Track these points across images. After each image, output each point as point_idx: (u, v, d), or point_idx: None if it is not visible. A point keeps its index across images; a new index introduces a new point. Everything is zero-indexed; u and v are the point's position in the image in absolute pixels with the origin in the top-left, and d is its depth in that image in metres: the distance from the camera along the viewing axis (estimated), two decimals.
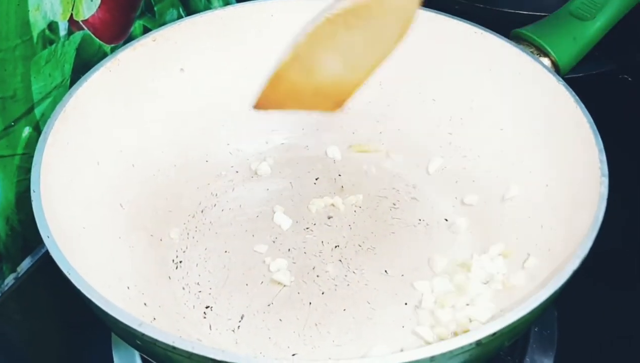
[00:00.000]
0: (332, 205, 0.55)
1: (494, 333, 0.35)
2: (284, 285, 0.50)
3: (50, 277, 0.40)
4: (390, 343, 0.46)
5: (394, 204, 0.55)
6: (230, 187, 0.57)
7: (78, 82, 0.50)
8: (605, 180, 0.43)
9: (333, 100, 0.52)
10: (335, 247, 0.52)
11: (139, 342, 0.36)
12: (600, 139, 0.46)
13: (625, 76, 0.70)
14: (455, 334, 0.43)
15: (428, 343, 0.45)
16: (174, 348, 0.34)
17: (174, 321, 0.47)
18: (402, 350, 0.44)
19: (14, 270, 0.52)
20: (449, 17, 0.57)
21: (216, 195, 0.56)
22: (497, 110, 0.55)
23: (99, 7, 0.53)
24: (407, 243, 0.52)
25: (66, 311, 0.52)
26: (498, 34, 0.55)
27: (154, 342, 0.35)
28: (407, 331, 0.46)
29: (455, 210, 0.54)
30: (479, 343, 0.35)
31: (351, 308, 0.48)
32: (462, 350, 0.35)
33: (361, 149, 0.60)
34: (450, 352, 0.34)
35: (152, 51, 0.55)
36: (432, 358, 0.34)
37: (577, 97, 0.48)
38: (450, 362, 0.35)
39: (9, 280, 0.52)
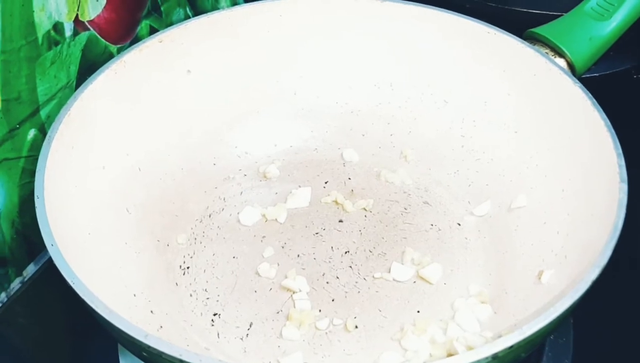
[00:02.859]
0: (336, 201, 0.55)
1: (511, 347, 0.34)
2: (294, 292, 0.49)
3: (56, 281, 0.39)
4: (402, 352, 0.45)
5: (405, 209, 0.54)
6: (238, 190, 0.56)
7: (83, 84, 0.49)
8: (624, 186, 0.42)
9: None
10: (346, 252, 0.51)
11: (145, 354, 0.36)
12: (618, 143, 0.44)
13: None
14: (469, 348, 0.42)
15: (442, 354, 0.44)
16: (180, 361, 0.34)
17: (181, 329, 0.46)
18: (414, 361, 0.44)
19: (19, 274, 0.52)
20: (461, 16, 0.56)
21: (224, 199, 0.56)
22: (511, 113, 0.54)
23: (105, 7, 0.53)
24: (419, 249, 0.51)
25: (73, 316, 0.51)
26: (512, 34, 0.54)
27: (160, 354, 0.34)
28: (419, 340, 0.45)
29: (468, 215, 0.53)
30: (495, 356, 0.34)
31: (362, 315, 0.47)
32: None
33: None
34: None
35: (159, 52, 0.54)
36: None
37: (594, 100, 0.47)
38: None
39: (15, 284, 0.52)
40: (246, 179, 0.57)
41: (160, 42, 0.54)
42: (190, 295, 0.49)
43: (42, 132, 0.50)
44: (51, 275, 0.41)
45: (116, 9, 0.54)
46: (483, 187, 0.54)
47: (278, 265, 0.51)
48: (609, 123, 0.46)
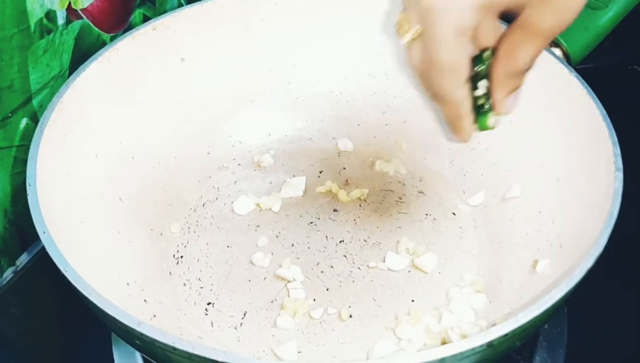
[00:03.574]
0: (330, 191, 0.55)
1: (506, 335, 0.34)
2: (288, 281, 0.48)
3: (49, 271, 0.39)
4: (397, 341, 0.45)
5: (400, 198, 0.54)
6: (232, 179, 0.56)
7: (75, 72, 0.49)
8: (620, 175, 0.42)
9: None
10: (340, 242, 0.51)
11: (138, 342, 0.36)
12: (614, 132, 0.44)
13: (636, 67, 0.68)
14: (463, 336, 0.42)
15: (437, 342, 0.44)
16: (174, 348, 0.33)
17: (175, 318, 0.46)
18: (409, 350, 0.44)
19: (12, 264, 0.52)
20: None
21: (218, 188, 0.55)
22: None
23: None
24: (413, 238, 0.51)
25: (66, 306, 0.51)
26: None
27: (153, 342, 0.34)
28: (414, 329, 0.45)
29: (463, 204, 0.53)
30: (490, 344, 0.34)
31: (356, 305, 0.47)
32: (472, 352, 0.34)
33: None
34: (461, 353, 0.33)
35: (152, 40, 0.54)
36: (442, 360, 0.33)
37: (589, 89, 0.47)
38: None
39: (8, 274, 0.51)
40: (240, 168, 0.57)
41: (154, 29, 0.54)
42: (184, 284, 0.49)
43: (35, 120, 0.50)
44: (44, 265, 0.41)
45: None
46: (478, 176, 0.54)
47: (272, 254, 0.50)
48: (604, 112, 0.46)
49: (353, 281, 0.49)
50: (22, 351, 0.51)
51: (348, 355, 0.44)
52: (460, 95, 0.43)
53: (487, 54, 0.43)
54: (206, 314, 0.47)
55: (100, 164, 0.49)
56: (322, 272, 0.49)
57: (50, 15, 0.48)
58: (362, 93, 0.59)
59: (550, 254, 0.45)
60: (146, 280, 0.47)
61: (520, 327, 0.35)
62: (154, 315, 0.44)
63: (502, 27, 0.53)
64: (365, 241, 0.51)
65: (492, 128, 0.45)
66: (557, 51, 0.53)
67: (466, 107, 0.44)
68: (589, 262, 0.38)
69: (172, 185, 0.54)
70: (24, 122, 0.49)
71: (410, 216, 0.53)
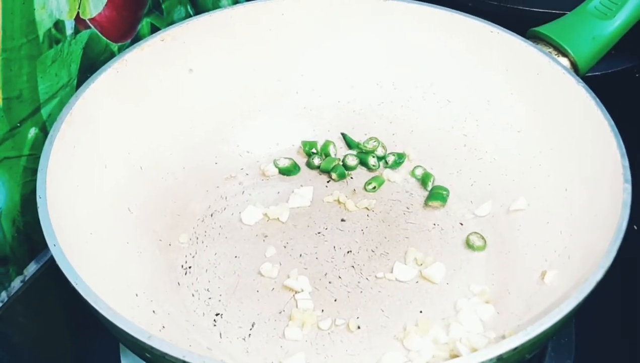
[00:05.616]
0: (338, 200, 0.55)
1: (515, 348, 0.34)
2: (296, 292, 0.48)
3: (58, 280, 0.39)
4: (405, 353, 0.45)
5: (408, 208, 0.54)
6: (240, 189, 0.56)
7: (84, 83, 0.49)
8: (629, 187, 0.42)
9: None
10: (348, 252, 0.51)
11: (148, 355, 0.36)
12: (622, 144, 0.44)
13: None
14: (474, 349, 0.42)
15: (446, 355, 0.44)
16: (183, 362, 0.33)
17: (184, 329, 0.46)
18: (417, 361, 0.44)
19: (20, 273, 0.52)
20: (464, 15, 0.56)
21: (226, 198, 0.55)
22: (513, 112, 0.54)
23: (106, 5, 0.52)
24: (421, 248, 0.51)
25: (74, 315, 0.51)
26: (515, 33, 0.54)
27: (163, 355, 0.34)
28: (422, 341, 0.45)
29: (471, 215, 0.53)
30: (500, 358, 0.34)
31: (364, 316, 0.47)
32: None
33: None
34: None
35: (160, 51, 0.54)
36: None
37: (598, 100, 0.47)
38: None
39: (16, 283, 0.51)
40: (248, 178, 0.57)
41: (162, 40, 0.54)
42: (192, 295, 0.49)
43: (43, 130, 0.50)
44: (52, 274, 0.41)
45: (117, 7, 0.54)
46: (486, 186, 0.54)
47: (280, 264, 0.50)
48: (612, 123, 0.46)
49: (361, 292, 0.49)
50: (30, 360, 0.51)
51: None
52: None
53: None
54: (215, 325, 0.47)
55: (109, 174, 0.49)
56: (330, 282, 0.49)
57: (58, 25, 0.49)
58: (370, 103, 0.59)
59: (559, 265, 0.45)
60: (155, 291, 0.47)
61: (530, 340, 0.35)
62: (163, 327, 0.44)
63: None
64: (373, 251, 0.51)
65: None
66: (565, 61, 0.53)
67: None
68: (598, 275, 0.38)
69: (180, 196, 0.54)
70: (32, 131, 0.49)
71: (418, 226, 0.53)
